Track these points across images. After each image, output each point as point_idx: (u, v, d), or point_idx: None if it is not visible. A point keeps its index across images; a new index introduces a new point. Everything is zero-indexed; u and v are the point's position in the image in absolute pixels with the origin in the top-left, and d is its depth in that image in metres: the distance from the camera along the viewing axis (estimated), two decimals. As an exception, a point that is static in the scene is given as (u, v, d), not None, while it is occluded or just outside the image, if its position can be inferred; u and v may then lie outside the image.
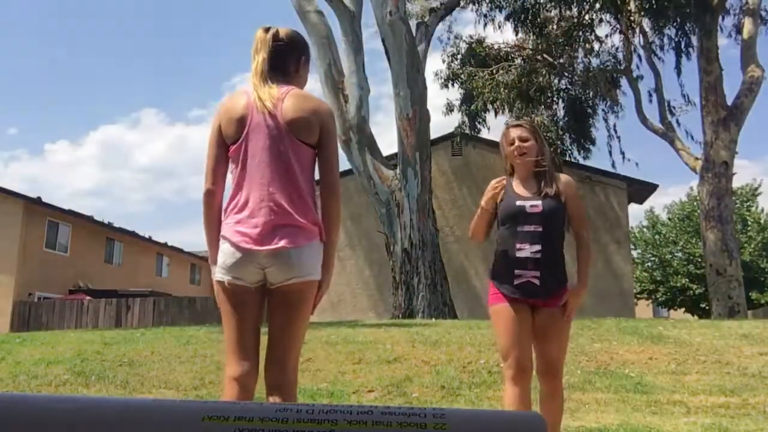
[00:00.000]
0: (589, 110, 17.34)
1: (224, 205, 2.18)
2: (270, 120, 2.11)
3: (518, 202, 2.71)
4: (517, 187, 2.77)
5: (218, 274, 2.12)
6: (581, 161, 17.43)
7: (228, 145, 2.17)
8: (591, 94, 17.23)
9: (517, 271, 2.66)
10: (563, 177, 2.83)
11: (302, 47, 2.34)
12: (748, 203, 28.92)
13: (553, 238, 2.69)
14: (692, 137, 15.54)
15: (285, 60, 2.25)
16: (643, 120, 16.75)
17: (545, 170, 2.77)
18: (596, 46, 17.43)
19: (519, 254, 2.66)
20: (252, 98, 2.15)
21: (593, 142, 17.28)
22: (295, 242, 2.04)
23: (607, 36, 17.39)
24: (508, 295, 2.68)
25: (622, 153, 16.97)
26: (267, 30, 2.26)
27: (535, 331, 2.70)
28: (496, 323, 2.73)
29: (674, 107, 16.34)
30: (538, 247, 2.65)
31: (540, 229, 2.66)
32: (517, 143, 2.76)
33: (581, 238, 2.81)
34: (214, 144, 2.19)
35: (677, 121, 16.29)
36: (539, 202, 2.69)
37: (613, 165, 17.09)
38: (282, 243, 2.03)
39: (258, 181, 2.10)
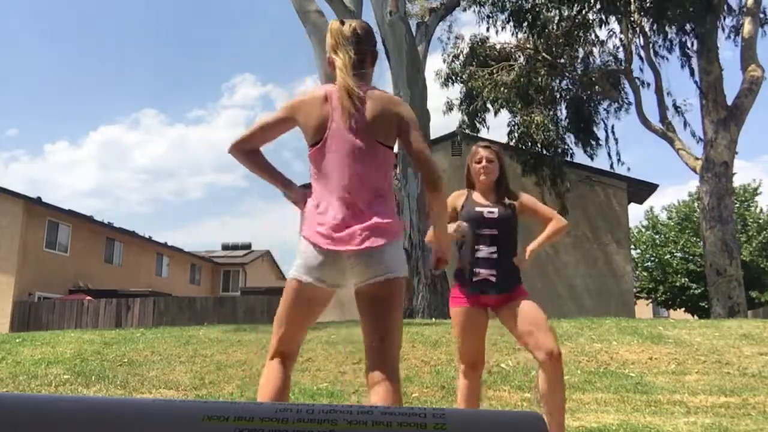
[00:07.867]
0: (592, 110, 17.30)
1: (307, 207, 2.19)
2: (351, 123, 2.11)
3: (477, 209, 3.07)
4: (477, 198, 3.14)
5: (299, 272, 2.12)
6: (588, 162, 17.40)
7: (282, 130, 2.25)
8: (593, 94, 17.19)
9: (476, 270, 2.99)
10: (523, 195, 3.21)
11: (375, 40, 2.32)
12: (746, 203, 28.88)
13: (507, 241, 3.04)
14: (698, 138, 15.42)
15: (364, 58, 2.23)
16: (644, 120, 16.76)
17: (503, 185, 3.16)
18: (596, 46, 17.41)
19: (478, 254, 3.00)
20: (334, 101, 2.14)
21: (598, 142, 17.23)
22: (376, 242, 2.05)
23: (608, 38, 17.38)
24: (468, 293, 2.99)
25: (618, 154, 16.93)
26: (343, 24, 2.23)
27: (506, 320, 2.95)
28: (454, 324, 3.05)
29: (680, 106, 16.31)
30: (494, 249, 2.99)
31: (495, 233, 3.01)
32: (484, 162, 3.14)
33: (556, 216, 3.19)
34: (273, 122, 2.24)
35: (685, 121, 16.26)
36: (495, 209, 3.05)
37: (611, 166, 17.10)
38: (365, 244, 2.04)
39: (338, 185, 2.11)
